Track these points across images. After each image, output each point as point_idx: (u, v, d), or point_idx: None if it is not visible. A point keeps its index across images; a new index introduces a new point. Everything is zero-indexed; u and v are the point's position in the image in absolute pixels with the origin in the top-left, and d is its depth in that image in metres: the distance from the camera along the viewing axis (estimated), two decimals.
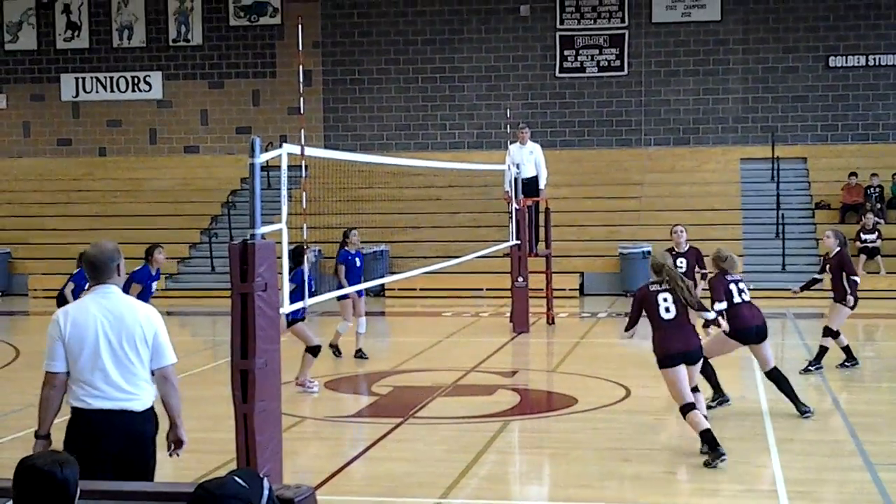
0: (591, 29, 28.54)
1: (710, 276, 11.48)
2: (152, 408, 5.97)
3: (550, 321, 18.81)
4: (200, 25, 29.75)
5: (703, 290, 12.90)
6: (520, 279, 17.64)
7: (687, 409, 9.13)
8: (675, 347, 9.19)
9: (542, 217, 19.44)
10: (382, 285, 22.71)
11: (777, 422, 10.52)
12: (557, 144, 27.81)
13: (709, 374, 10.97)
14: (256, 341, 7.20)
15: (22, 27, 30.34)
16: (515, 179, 17.99)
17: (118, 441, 5.84)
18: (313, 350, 12.51)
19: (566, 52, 28.63)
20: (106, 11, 29.98)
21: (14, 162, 30.42)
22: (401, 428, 10.53)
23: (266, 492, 4.14)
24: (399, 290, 23.39)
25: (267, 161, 7.56)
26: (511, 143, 19.61)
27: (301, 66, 9.56)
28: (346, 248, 14.73)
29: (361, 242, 14.99)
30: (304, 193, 8.42)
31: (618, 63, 28.45)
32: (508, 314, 18.36)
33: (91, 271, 5.99)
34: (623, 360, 14.34)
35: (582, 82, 28.70)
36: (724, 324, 10.38)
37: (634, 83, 28.45)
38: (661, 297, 9.27)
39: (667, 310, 9.24)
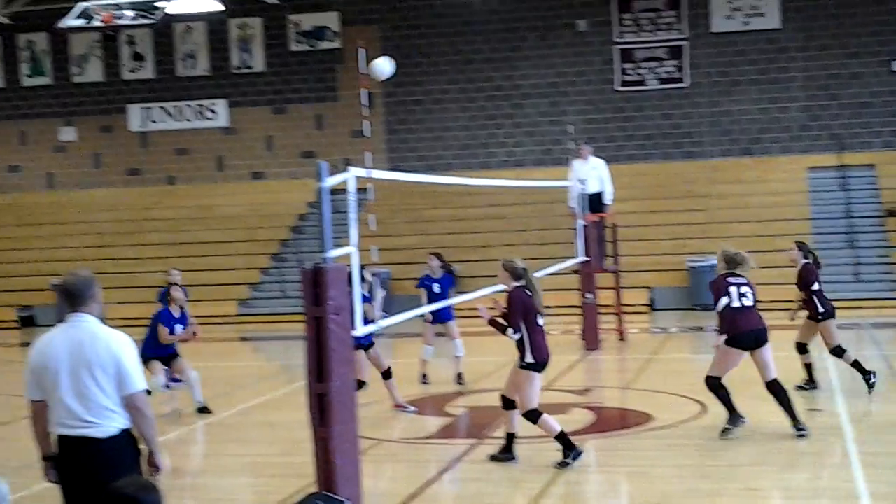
0: (650, 42, 28.42)
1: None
2: (120, 435, 5.94)
3: (621, 337, 18.70)
4: (262, 52, 30.11)
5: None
6: (589, 296, 17.57)
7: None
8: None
9: (609, 232, 19.36)
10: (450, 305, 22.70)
11: (858, 434, 10.36)
12: (620, 159, 27.69)
13: (722, 396, 10.59)
14: (331, 364, 7.25)
15: (89, 59, 30.92)
16: (581, 195, 17.94)
17: (85, 468, 5.92)
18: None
19: (625, 66, 28.54)
20: (169, 41, 30.46)
21: (86, 193, 30.96)
22: (476, 449, 10.52)
23: None
24: (468, 309, 23.34)
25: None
26: (574, 160, 19.61)
27: (367, 91, 9.62)
28: (428, 272, 14.83)
29: (441, 265, 14.93)
30: (372, 216, 8.48)
31: (678, 75, 28.30)
32: (578, 331, 18.28)
33: (67, 299, 6.10)
34: (697, 376, 14.09)
35: (642, 95, 28.58)
36: (719, 339, 10.47)
37: (696, 94, 28.27)
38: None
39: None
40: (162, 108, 30.62)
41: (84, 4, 18.95)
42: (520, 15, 29.00)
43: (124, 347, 5.99)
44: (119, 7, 18.60)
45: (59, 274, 26.20)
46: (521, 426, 9.95)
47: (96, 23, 18.59)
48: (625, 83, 28.60)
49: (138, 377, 6.00)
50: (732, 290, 10.44)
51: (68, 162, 31.46)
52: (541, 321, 9.66)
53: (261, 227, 28.27)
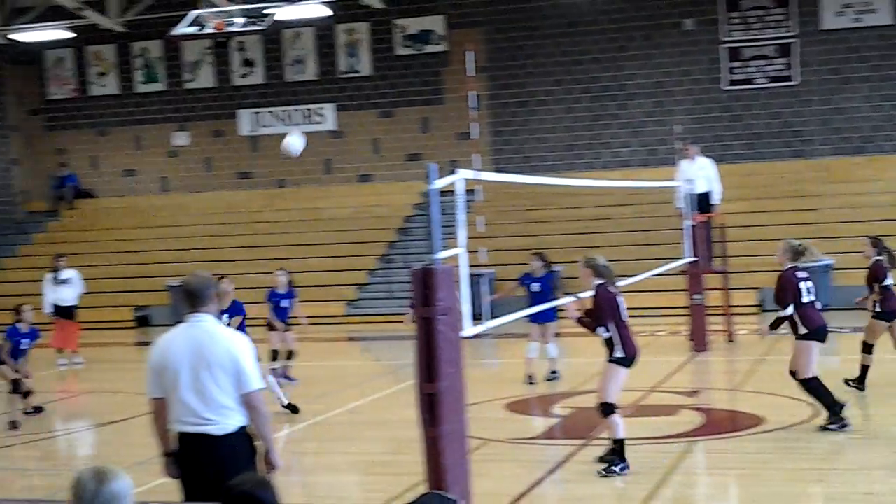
0: (758, 40, 27.99)
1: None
2: (238, 432, 6.09)
3: (730, 339, 18.47)
4: (369, 56, 30.43)
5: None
6: (697, 296, 17.39)
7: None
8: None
9: (717, 233, 19.15)
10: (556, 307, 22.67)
11: None
12: (728, 158, 27.32)
13: (820, 393, 10.71)
14: (440, 364, 7.33)
15: (201, 66, 31.62)
16: (688, 195, 17.78)
17: (203, 464, 6.07)
18: None
19: (733, 65, 28.15)
20: (279, 47, 30.98)
21: (198, 196, 31.67)
22: (584, 450, 10.51)
23: None
24: (575, 322, 23.25)
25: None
26: (681, 160, 19.45)
27: (476, 93, 9.71)
28: (529, 271, 14.89)
29: (543, 264, 14.96)
30: (480, 218, 8.55)
31: (787, 73, 27.81)
32: (686, 333, 18.11)
33: (187, 299, 6.26)
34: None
35: (750, 94, 28.16)
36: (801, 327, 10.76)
37: (805, 93, 27.74)
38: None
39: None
40: (271, 112, 31.17)
41: (196, 12, 19.39)
42: (626, 15, 28.81)
43: (242, 347, 6.15)
44: (230, 14, 18.98)
45: (173, 275, 26.90)
46: (628, 428, 9.90)
47: (208, 30, 18.97)
48: (732, 82, 28.22)
49: (255, 376, 6.15)
50: (802, 285, 10.55)
51: (181, 166, 32.21)
52: (625, 317, 9.60)
53: (368, 229, 28.58)
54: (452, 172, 8.04)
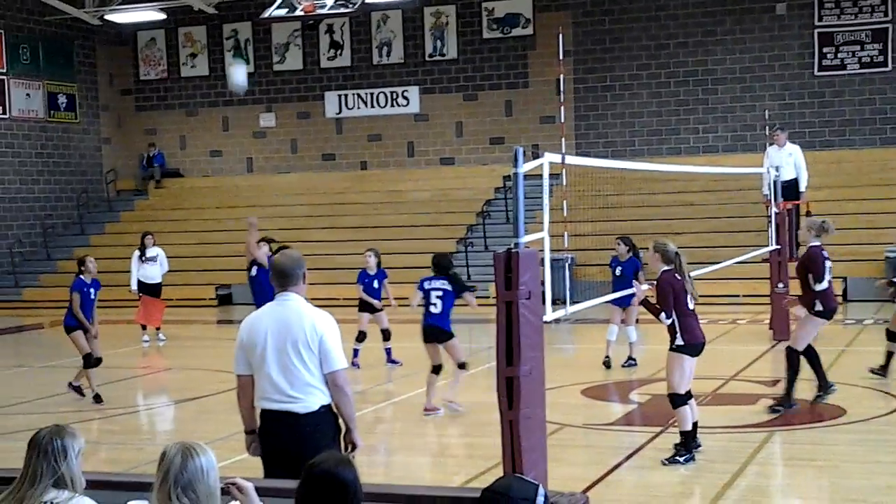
0: (852, 24, 27.44)
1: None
2: (321, 411, 6.13)
3: None
4: (455, 39, 30.46)
5: None
6: (780, 285, 17.19)
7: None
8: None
9: (802, 221, 18.86)
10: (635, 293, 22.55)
11: None
12: (817, 145, 26.88)
13: (814, 364, 11.56)
14: (521, 349, 7.36)
15: (289, 48, 31.94)
16: (774, 182, 17.55)
17: (286, 441, 6.14)
18: (437, 369, 12.19)
19: (825, 49, 27.64)
20: (366, 30, 31.15)
21: (283, 177, 32.04)
22: (661, 437, 10.48)
23: (541, 498, 4.20)
24: (652, 297, 23.14)
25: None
26: (769, 146, 19.19)
27: (562, 76, 9.72)
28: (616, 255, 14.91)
29: (628, 248, 14.97)
30: (564, 202, 8.55)
31: (881, 58, 27.23)
32: (767, 321, 17.90)
33: (277, 278, 6.32)
34: (892, 370, 13.73)
35: (842, 80, 27.64)
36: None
37: None
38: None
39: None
40: (357, 94, 31.38)
41: None
42: None
43: (328, 326, 6.19)
44: None
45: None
46: (706, 417, 9.86)
47: (298, 12, 19.17)
48: (823, 67, 27.72)
49: (340, 356, 6.19)
50: (827, 264, 10.80)
51: (267, 147, 32.60)
52: (692, 305, 9.53)
53: (449, 212, 28.66)
54: (536, 156, 8.04)
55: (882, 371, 12.95)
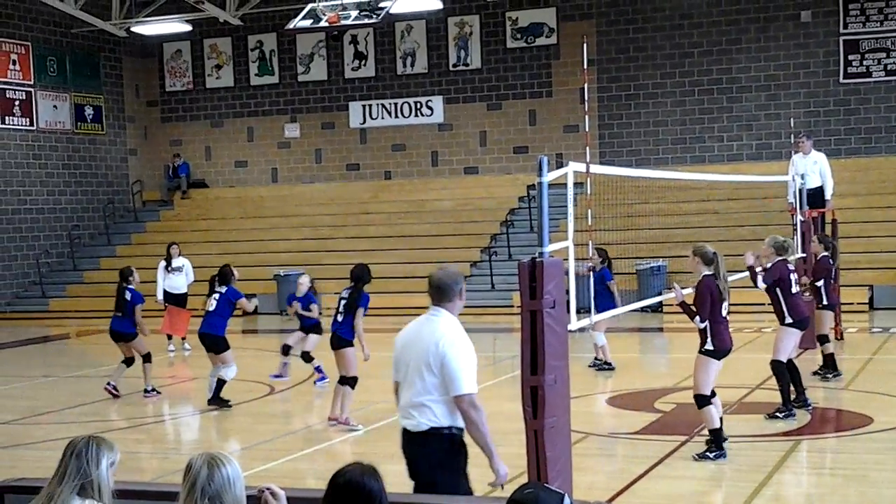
0: (878, 32, 27.32)
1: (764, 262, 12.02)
2: (430, 432, 6.09)
3: (839, 336, 18.09)
4: (479, 49, 30.51)
5: None
6: (806, 293, 17.08)
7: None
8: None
9: (828, 229, 18.78)
10: (660, 301, 22.51)
11: None
12: (842, 153, 26.75)
13: (795, 379, 11.68)
14: (546, 358, 7.35)
15: (313, 59, 32.07)
16: (800, 191, 17.48)
17: (408, 455, 6.26)
18: (351, 381, 11.89)
19: (850, 57, 27.53)
20: (390, 40, 31.24)
21: (307, 187, 32.15)
22: (686, 446, 10.45)
23: None
24: (677, 305, 23.06)
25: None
26: (794, 154, 19.12)
27: (586, 85, 9.74)
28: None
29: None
30: (589, 211, 8.56)
31: None
32: None
33: (432, 292, 6.31)
34: None
35: (868, 87, 27.51)
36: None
37: None
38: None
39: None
40: (381, 104, 31.47)
41: (312, 5, 19.63)
42: (741, 7, 28.37)
43: (454, 349, 6.08)
44: (345, 7, 19.17)
45: (282, 265, 27.38)
46: (732, 426, 9.83)
47: (323, 23, 19.21)
48: (849, 75, 27.60)
49: (463, 380, 6.06)
50: (791, 276, 11.35)
51: (291, 157, 32.72)
52: (725, 311, 9.55)
53: (472, 221, 28.68)
54: (560, 165, 8.05)
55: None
